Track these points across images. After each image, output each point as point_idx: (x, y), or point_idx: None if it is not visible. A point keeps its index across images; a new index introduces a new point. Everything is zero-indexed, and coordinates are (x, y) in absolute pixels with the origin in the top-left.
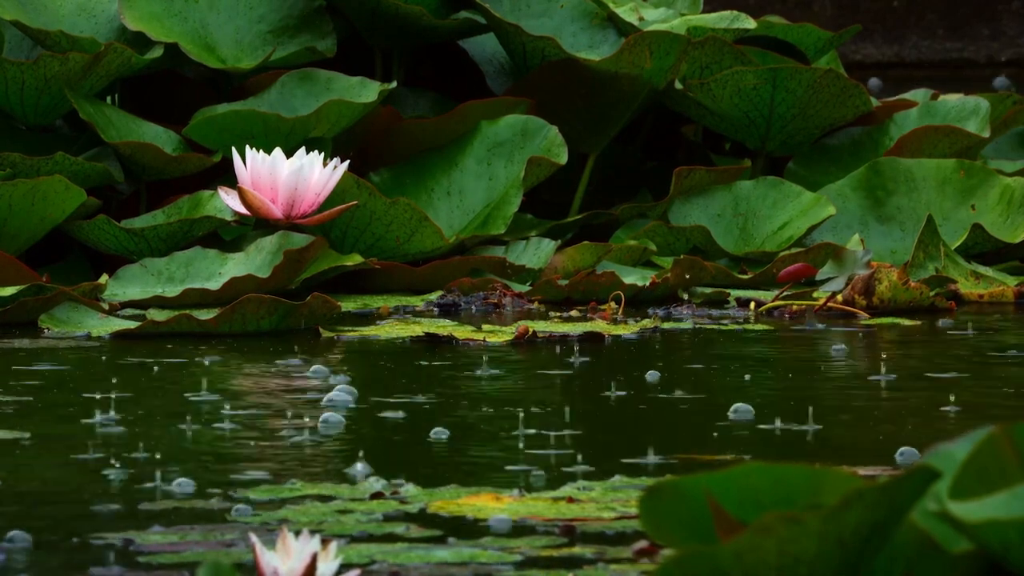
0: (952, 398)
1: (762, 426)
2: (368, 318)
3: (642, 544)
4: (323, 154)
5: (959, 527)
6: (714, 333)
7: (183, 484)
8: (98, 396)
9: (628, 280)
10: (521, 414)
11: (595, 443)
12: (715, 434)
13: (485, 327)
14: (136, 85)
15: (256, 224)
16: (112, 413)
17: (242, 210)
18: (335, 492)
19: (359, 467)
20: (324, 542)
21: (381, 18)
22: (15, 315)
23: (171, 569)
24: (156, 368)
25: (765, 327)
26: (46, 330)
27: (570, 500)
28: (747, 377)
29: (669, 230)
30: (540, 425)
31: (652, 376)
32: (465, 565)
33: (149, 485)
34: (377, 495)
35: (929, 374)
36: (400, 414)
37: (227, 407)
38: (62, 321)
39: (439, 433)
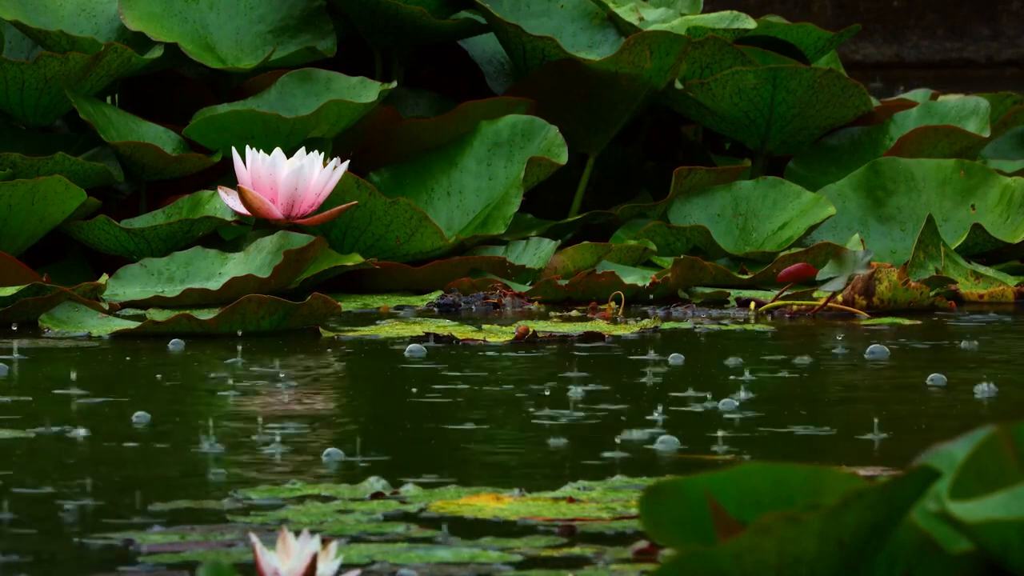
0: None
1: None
2: (368, 318)
3: (642, 544)
4: (323, 154)
5: (959, 527)
6: (715, 333)
7: (190, 484)
8: (98, 396)
9: (628, 280)
10: (521, 413)
11: (595, 442)
12: (721, 433)
13: (485, 327)
14: (136, 85)
15: (256, 224)
16: (111, 412)
17: (242, 210)
18: (335, 492)
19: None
20: (324, 542)
21: (381, 18)
22: (15, 315)
23: (171, 569)
24: (155, 367)
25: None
26: (46, 330)
27: (570, 500)
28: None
29: (669, 230)
30: (540, 424)
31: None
32: (465, 565)
33: (149, 485)
34: (377, 495)
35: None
36: (400, 414)
37: (226, 407)
38: (62, 321)
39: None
